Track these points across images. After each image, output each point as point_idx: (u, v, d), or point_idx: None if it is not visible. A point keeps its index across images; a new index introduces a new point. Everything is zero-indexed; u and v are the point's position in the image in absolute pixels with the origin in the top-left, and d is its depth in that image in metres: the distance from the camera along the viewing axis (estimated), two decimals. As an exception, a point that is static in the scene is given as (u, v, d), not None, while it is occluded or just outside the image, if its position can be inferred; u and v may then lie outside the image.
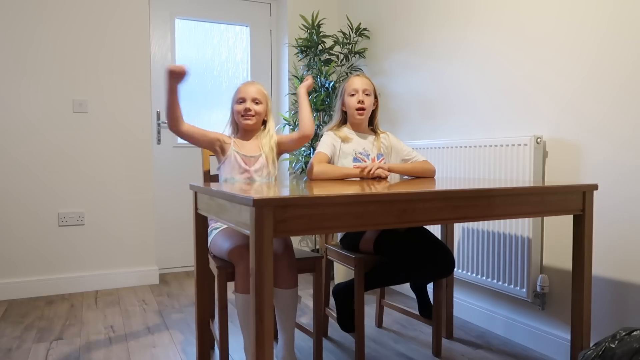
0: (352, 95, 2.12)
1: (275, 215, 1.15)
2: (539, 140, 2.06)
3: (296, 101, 3.44)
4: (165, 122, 3.48)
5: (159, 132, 3.47)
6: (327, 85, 3.27)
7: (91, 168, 3.09)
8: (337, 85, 3.29)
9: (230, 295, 2.80)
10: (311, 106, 2.10)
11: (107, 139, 3.12)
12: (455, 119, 2.58)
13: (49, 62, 2.97)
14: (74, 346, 2.17)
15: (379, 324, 2.42)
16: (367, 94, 2.12)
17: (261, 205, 1.13)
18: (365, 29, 3.31)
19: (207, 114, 3.64)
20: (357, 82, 2.13)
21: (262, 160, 2.01)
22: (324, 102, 3.26)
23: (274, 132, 2.10)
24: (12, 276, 2.92)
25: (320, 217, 1.20)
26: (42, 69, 2.96)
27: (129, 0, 3.13)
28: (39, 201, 2.98)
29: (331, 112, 3.34)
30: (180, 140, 3.55)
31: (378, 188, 1.43)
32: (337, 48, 3.45)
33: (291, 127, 3.40)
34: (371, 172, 1.95)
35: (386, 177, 1.96)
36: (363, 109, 2.11)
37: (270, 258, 1.14)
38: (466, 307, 2.50)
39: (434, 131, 2.74)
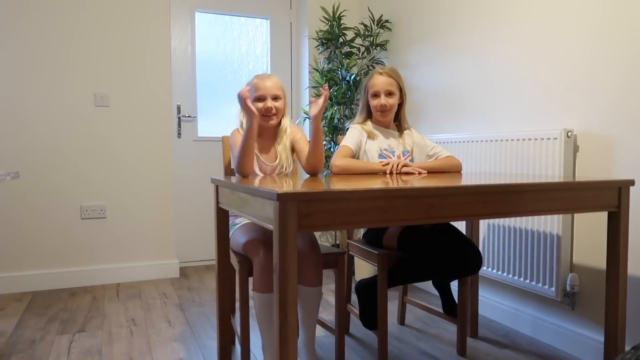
0: (375, 96, 2.07)
1: (299, 210, 1.11)
2: (569, 134, 1.98)
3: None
4: (187, 116, 3.47)
5: (179, 126, 3.47)
6: (348, 78, 3.22)
7: (113, 161, 3.11)
8: (358, 78, 3.24)
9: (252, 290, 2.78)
10: (323, 139, 1.89)
11: (128, 133, 3.13)
12: (479, 112, 2.51)
13: (70, 56, 2.98)
14: (96, 339, 2.18)
15: (402, 321, 2.38)
16: (390, 94, 2.06)
17: (285, 200, 1.09)
18: (387, 21, 3.25)
19: (227, 107, 3.63)
20: (379, 83, 2.05)
21: (277, 166, 1.96)
22: (345, 95, 3.21)
23: (290, 130, 2.03)
24: (36, 268, 2.96)
25: (345, 212, 1.17)
26: (64, 62, 2.97)
27: (150, -7, 3.12)
28: (62, 194, 3.00)
29: (352, 106, 3.30)
30: (200, 134, 3.55)
31: (404, 182, 1.39)
32: (359, 40, 3.39)
33: (312, 120, 3.36)
34: (398, 169, 1.90)
35: (418, 173, 1.89)
36: (385, 111, 2.06)
37: (294, 254, 1.11)
38: (491, 305, 2.44)
39: (457, 125, 2.67)
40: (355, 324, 2.37)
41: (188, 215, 3.54)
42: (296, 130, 2.01)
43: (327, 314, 2.52)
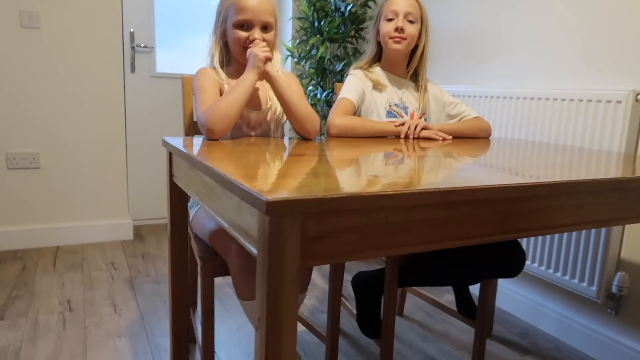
0: (390, 20, 1.55)
1: (304, 230, 0.63)
2: (639, 97, 1.53)
3: (302, 28, 2.82)
4: (142, 46, 2.84)
5: (133, 58, 2.84)
6: (342, 9, 2.64)
7: (46, 99, 2.50)
8: (354, 10, 2.66)
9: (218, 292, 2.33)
10: (290, 88, 1.35)
11: (66, 63, 2.50)
12: (509, 60, 2.02)
13: (-14, -42, 2.29)
14: (15, 332, 1.70)
15: (400, 311, 1.99)
16: (410, 21, 1.55)
17: (281, 213, 0.60)
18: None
19: (193, 39, 3.01)
20: (398, 2, 1.55)
21: (267, 113, 1.43)
22: (339, 29, 2.64)
23: (281, 67, 1.50)
24: (-49, 228, 2.41)
25: (380, 230, 0.69)
26: (-22, -34, 2.28)
27: None
28: (-19, 138, 2.41)
29: (345, 44, 2.74)
30: (159, 69, 2.93)
31: (454, 166, 0.91)
32: (356, -38, 2.78)
33: (296, 59, 2.79)
34: (416, 132, 1.44)
35: (442, 139, 1.45)
36: (402, 38, 1.55)
37: (295, 302, 0.64)
38: (508, 295, 2.07)
39: (476, 75, 2.18)
40: (347, 319, 1.97)
41: (144, 165, 2.99)
42: (290, 80, 1.43)
43: (313, 300, 2.10)
